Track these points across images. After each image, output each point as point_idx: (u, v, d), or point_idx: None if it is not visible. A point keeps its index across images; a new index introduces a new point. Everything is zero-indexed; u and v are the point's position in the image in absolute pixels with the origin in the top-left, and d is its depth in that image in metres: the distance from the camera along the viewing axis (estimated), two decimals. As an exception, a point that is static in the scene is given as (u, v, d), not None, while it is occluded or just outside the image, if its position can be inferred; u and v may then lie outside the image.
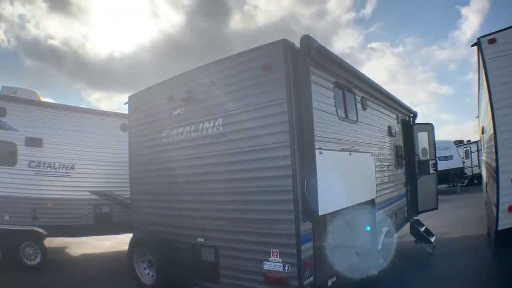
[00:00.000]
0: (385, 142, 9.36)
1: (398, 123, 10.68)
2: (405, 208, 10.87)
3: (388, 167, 9.38)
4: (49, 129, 11.00)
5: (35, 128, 10.72)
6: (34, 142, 10.68)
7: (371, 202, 7.83)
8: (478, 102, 14.00)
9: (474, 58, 9.24)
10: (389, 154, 9.59)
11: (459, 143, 32.27)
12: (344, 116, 7.14)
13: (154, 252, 6.94)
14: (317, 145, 5.72)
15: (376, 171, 8.01)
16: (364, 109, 8.06)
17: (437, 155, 25.48)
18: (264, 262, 5.69)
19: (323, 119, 6.31)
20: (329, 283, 6.18)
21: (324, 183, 5.63)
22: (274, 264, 5.60)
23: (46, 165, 10.89)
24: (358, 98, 7.86)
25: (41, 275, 9.99)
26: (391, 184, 9.55)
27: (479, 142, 26.11)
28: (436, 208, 12.36)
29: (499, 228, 6.99)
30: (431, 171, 12.00)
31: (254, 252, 5.82)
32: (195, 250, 6.68)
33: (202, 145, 6.63)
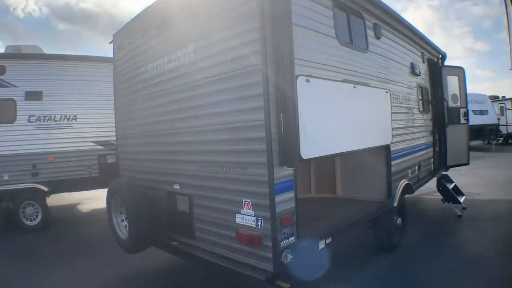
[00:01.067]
0: (407, 81, 7.70)
1: (423, 62, 8.96)
2: (432, 160, 9.25)
3: (410, 110, 7.76)
4: (49, 81, 10.34)
5: (35, 82, 10.15)
6: (33, 96, 10.12)
7: (385, 149, 6.37)
8: (510, 50, 12.16)
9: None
10: (412, 95, 7.94)
11: (494, 98, 29.89)
12: (348, 42, 5.59)
13: (125, 201, 5.71)
14: (304, 70, 4.43)
15: (392, 112, 6.48)
16: (378, 37, 6.44)
17: (472, 108, 24.02)
18: (236, 214, 4.45)
19: (314, 40, 4.82)
20: (321, 245, 4.84)
21: (312, 120, 4.36)
22: (246, 218, 4.35)
23: (46, 118, 10.27)
24: (369, 25, 6.24)
25: (39, 236, 9.40)
26: (414, 130, 7.96)
27: (514, 98, 24.15)
28: (467, 163, 10.64)
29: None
30: (462, 120, 10.29)
31: (227, 201, 4.59)
32: (171, 199, 5.57)
33: (175, 78, 5.37)
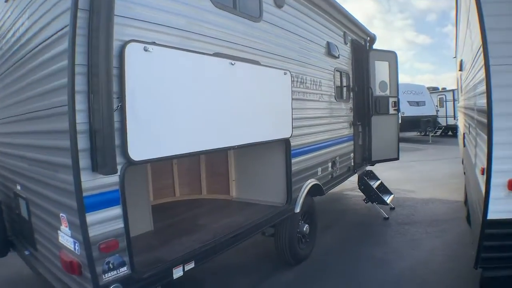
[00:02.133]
0: (319, 63, 6.50)
1: (345, 43, 7.86)
2: (352, 155, 8.18)
3: (323, 97, 6.61)
4: None
5: None
6: None
7: (284, 144, 5.19)
8: (456, 36, 11.29)
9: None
10: (326, 79, 6.78)
11: (433, 89, 29.66)
12: (230, 5, 4.32)
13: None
14: (144, 35, 3.19)
15: (294, 99, 5.30)
16: (279, 6, 5.20)
17: (408, 99, 23.60)
18: (58, 231, 3.29)
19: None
20: (177, 274, 3.60)
21: (153, 106, 3.17)
22: (66, 238, 3.17)
23: None
24: (268, -12, 5.02)
25: None
26: (327, 121, 6.79)
27: (455, 91, 23.71)
28: (397, 159, 9.51)
29: (489, 216, 3.68)
30: (391, 111, 9.19)
31: (49, 213, 3.48)
32: (17, 202, 4.50)
33: (13, 54, 4.13)
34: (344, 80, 7.69)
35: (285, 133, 5.08)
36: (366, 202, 8.34)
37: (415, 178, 12.26)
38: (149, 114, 3.12)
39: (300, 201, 5.49)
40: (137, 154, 3.02)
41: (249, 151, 5.52)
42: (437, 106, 27.21)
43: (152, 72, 3.14)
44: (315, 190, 5.98)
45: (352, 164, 8.14)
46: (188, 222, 4.98)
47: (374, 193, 8.20)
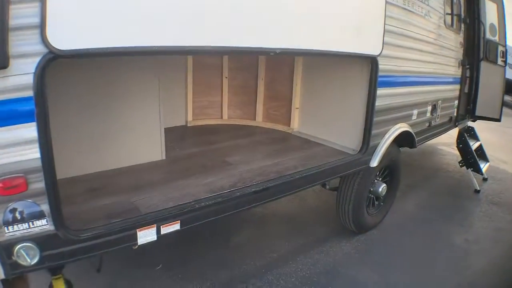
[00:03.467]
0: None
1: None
2: (455, 102, 5.91)
3: (429, 14, 4.40)
4: None
5: None
6: None
7: (368, 64, 3.34)
8: None
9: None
10: (435, -5, 4.58)
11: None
12: None
13: None
14: None
15: (388, 2, 3.32)
16: None
17: (509, 61, 20.14)
18: None
19: None
20: (145, 237, 2.15)
21: None
22: None
23: None
24: None
25: None
26: (431, 49, 4.57)
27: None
28: (498, 120, 7.03)
29: None
30: (499, 61, 6.79)
31: None
32: None
33: None
34: (455, 6, 5.47)
35: (371, 48, 3.20)
36: (461, 166, 6.30)
37: (509, 146, 9.77)
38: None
39: (380, 151, 3.65)
40: (63, 40, 1.64)
41: (321, 70, 3.80)
42: (537, 76, 23.35)
43: None
44: (404, 139, 4.12)
45: (455, 114, 5.96)
46: (214, 155, 3.41)
47: (472, 157, 6.14)
